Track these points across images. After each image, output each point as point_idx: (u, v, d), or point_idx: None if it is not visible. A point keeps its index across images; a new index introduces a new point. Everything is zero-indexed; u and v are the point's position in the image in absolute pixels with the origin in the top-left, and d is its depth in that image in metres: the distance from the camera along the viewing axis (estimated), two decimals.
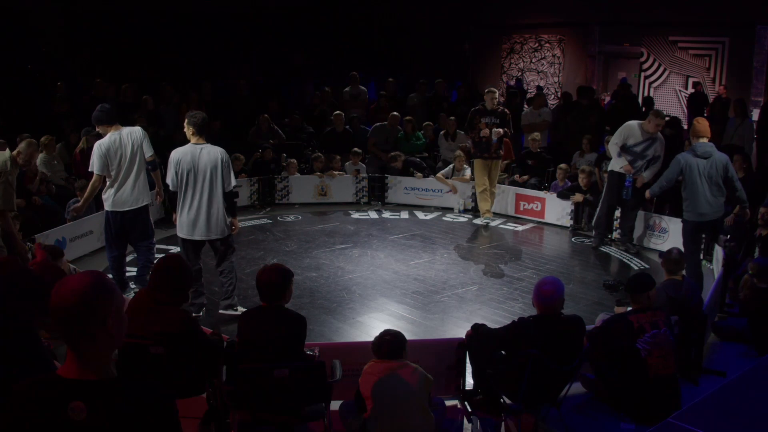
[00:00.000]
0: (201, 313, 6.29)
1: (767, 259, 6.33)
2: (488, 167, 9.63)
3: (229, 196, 6.14)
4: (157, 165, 6.63)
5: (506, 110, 9.74)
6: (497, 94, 9.74)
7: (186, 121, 6.12)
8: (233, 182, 6.14)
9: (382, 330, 3.94)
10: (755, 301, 5.84)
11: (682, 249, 6.77)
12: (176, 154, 6.02)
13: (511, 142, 11.33)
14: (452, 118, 11.74)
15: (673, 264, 5.48)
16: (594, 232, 8.94)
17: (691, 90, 13.81)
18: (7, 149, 6.79)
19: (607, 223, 8.82)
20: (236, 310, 6.31)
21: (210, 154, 6.00)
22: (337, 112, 11.96)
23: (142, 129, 6.55)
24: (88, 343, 1.85)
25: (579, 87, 13.19)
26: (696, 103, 12.93)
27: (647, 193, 7.67)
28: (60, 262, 5.82)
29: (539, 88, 15.63)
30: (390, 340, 3.80)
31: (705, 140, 6.84)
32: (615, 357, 4.50)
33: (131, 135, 6.39)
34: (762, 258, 6.47)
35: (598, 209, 8.78)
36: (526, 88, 16.20)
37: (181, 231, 6.14)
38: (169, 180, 6.05)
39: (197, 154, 5.98)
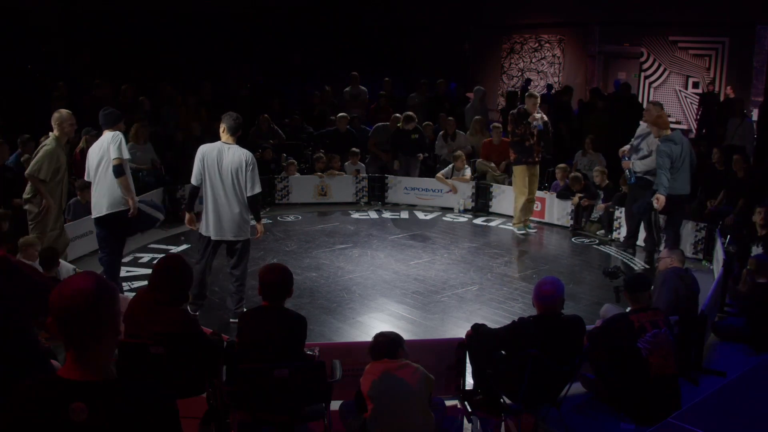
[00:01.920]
0: (197, 313, 6.29)
1: (765, 255, 6.38)
2: (530, 174, 9.21)
3: (253, 200, 6.08)
4: (122, 171, 6.11)
5: (543, 114, 9.31)
6: (539, 99, 9.32)
7: (222, 119, 6.09)
8: (258, 187, 6.05)
9: (382, 330, 3.95)
10: (754, 296, 5.87)
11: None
12: (203, 149, 6.02)
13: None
14: (450, 118, 11.73)
15: (680, 255, 5.77)
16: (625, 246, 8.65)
17: (699, 90, 13.80)
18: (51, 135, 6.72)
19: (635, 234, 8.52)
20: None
21: (235, 155, 5.95)
22: (342, 114, 11.94)
23: (117, 133, 6.19)
24: (93, 344, 1.84)
25: (592, 89, 13.19)
26: (707, 104, 12.90)
27: (657, 201, 7.40)
28: (56, 264, 5.82)
29: (549, 87, 15.65)
30: (384, 341, 3.81)
31: (668, 131, 7.58)
32: (615, 357, 4.50)
33: (103, 140, 6.22)
34: (761, 254, 6.51)
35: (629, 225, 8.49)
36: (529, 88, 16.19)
37: (203, 229, 6.13)
38: (193, 174, 6.02)
39: (224, 153, 5.95)
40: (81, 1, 14.85)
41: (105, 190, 6.18)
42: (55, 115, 6.70)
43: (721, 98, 12.99)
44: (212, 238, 6.12)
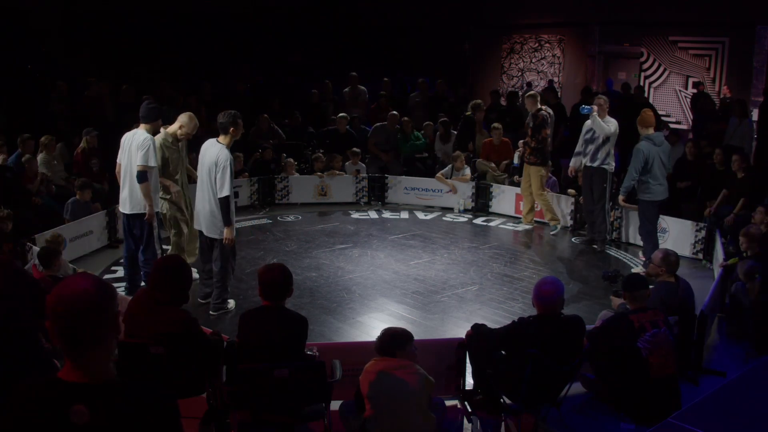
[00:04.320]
0: (206, 301, 6.45)
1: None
2: (528, 173, 9.47)
3: (222, 202, 5.98)
4: (145, 177, 6.19)
5: (543, 112, 9.26)
6: (536, 99, 9.37)
7: None
8: (224, 191, 5.92)
9: (382, 329, 3.94)
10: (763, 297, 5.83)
11: (641, 229, 7.90)
12: (205, 143, 6.25)
13: (510, 142, 11.33)
14: (446, 119, 11.70)
15: (672, 265, 5.42)
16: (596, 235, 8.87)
17: (693, 90, 13.80)
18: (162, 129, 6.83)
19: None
20: (226, 307, 6.41)
21: (213, 153, 6.04)
22: (342, 114, 11.95)
23: (148, 137, 6.23)
24: (91, 345, 1.83)
25: (583, 88, 13.18)
26: (699, 103, 12.92)
27: (620, 197, 7.92)
28: (57, 262, 5.83)
29: (549, 83, 15.67)
30: (385, 337, 3.81)
31: (652, 130, 7.65)
32: (615, 357, 4.50)
33: (133, 137, 6.31)
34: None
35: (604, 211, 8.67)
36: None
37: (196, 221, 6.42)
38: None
39: (208, 149, 6.10)
40: (81, 1, 14.85)
41: (131, 188, 6.35)
42: (190, 115, 6.90)
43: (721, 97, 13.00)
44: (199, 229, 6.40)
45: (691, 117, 13.47)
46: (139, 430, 1.80)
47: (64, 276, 5.68)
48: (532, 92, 9.71)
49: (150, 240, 6.45)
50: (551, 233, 9.45)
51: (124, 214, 6.51)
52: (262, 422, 3.83)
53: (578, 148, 8.82)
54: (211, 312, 6.35)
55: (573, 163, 8.92)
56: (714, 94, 13.45)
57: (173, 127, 6.81)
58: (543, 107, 9.46)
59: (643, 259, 7.90)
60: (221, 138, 6.10)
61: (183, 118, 6.78)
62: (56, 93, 11.49)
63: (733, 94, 12.80)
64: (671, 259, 5.44)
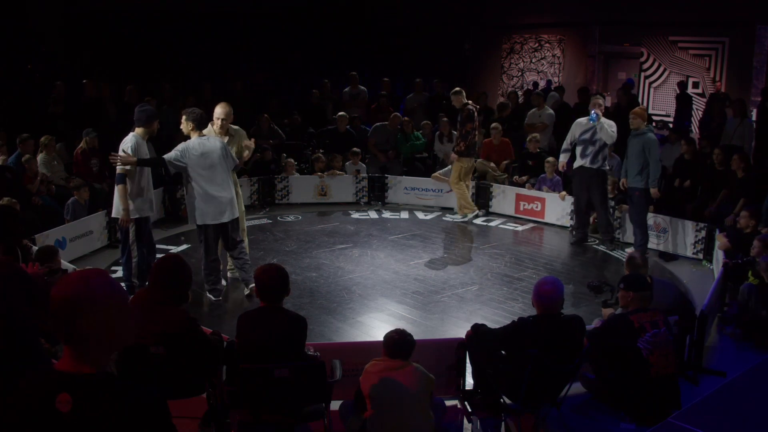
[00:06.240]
0: (220, 298, 6.65)
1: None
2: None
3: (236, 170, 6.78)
4: (122, 180, 6.36)
5: (470, 107, 9.52)
6: (461, 95, 9.63)
7: (184, 117, 6.37)
8: (236, 158, 6.69)
9: (382, 330, 3.95)
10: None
11: (636, 217, 8.17)
12: (184, 144, 6.33)
13: (509, 142, 11.32)
14: (446, 119, 11.72)
15: (638, 267, 5.40)
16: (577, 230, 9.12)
17: (699, 90, 13.84)
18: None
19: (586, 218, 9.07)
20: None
21: (215, 142, 6.39)
22: (341, 113, 11.95)
23: (126, 140, 6.40)
24: (84, 337, 1.84)
25: (580, 89, 13.19)
26: (683, 102, 13.02)
27: (653, 191, 8.06)
28: (55, 261, 5.82)
29: (548, 83, 15.66)
30: (397, 339, 3.81)
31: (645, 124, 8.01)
32: (616, 357, 4.50)
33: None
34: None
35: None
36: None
37: (206, 218, 6.38)
38: (173, 164, 6.31)
39: (206, 145, 6.30)
40: (81, 1, 14.85)
41: (116, 193, 6.50)
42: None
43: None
44: (214, 223, 6.43)
45: (674, 116, 13.55)
46: (122, 424, 1.80)
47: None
48: (457, 89, 9.91)
49: (124, 246, 6.61)
50: (460, 219, 9.99)
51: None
52: (262, 422, 3.83)
53: (566, 145, 8.89)
54: (247, 291, 6.68)
55: (563, 158, 9.01)
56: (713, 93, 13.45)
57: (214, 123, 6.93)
58: (470, 102, 9.66)
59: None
60: (200, 133, 6.35)
61: (216, 110, 6.87)
62: (56, 93, 11.49)
63: (727, 92, 12.82)
64: (635, 262, 5.49)
